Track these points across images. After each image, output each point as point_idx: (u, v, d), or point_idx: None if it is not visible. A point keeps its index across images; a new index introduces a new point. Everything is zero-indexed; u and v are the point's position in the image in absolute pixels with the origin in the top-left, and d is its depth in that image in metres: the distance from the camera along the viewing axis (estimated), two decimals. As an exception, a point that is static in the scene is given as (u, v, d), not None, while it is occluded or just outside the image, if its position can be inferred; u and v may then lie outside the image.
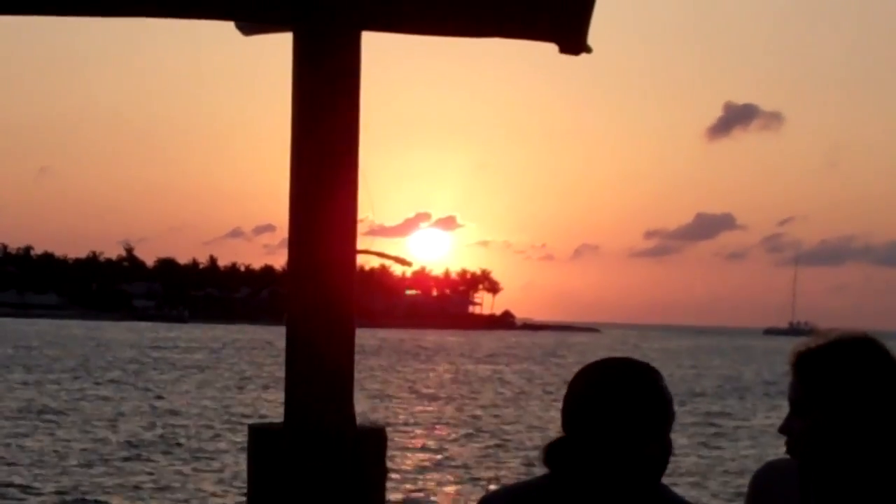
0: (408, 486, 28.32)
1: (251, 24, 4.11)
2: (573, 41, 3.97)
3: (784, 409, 3.20)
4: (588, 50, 3.98)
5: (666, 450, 2.84)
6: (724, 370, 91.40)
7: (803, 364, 3.17)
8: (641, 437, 2.77)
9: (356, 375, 4.00)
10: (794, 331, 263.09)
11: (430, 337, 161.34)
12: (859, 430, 3.10)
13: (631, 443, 2.77)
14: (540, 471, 2.89)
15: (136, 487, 27.19)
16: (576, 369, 2.91)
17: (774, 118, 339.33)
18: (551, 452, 2.81)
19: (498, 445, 36.94)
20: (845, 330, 3.20)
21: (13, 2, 3.83)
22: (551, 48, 4.03)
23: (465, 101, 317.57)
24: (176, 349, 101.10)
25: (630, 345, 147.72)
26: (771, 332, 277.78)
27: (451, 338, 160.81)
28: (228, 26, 4.10)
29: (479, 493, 26.49)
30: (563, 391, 2.87)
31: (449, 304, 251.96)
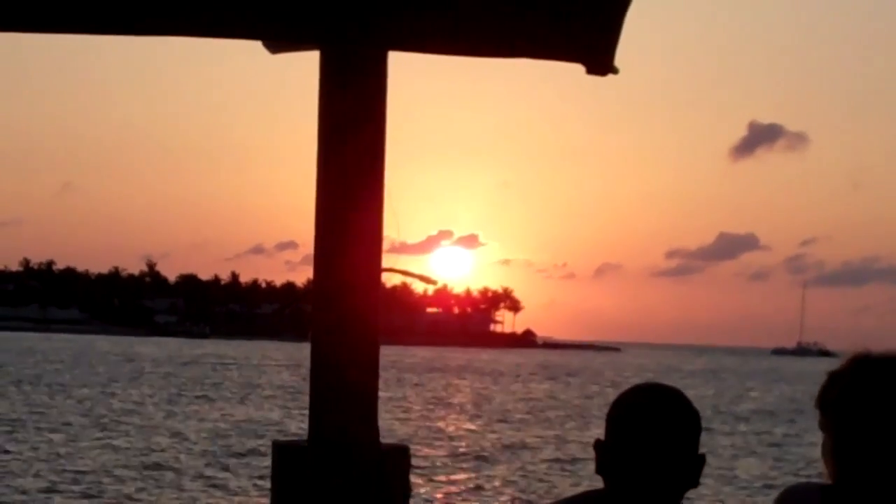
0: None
1: (278, 42, 4.12)
2: (601, 62, 3.97)
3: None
4: (615, 71, 3.98)
5: (699, 460, 3.00)
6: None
7: (825, 383, 3.21)
8: (677, 449, 2.95)
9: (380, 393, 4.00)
10: (802, 351, 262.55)
11: (452, 355, 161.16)
12: (857, 446, 3.12)
13: (669, 453, 2.94)
14: (572, 491, 2.95)
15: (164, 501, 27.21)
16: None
17: (799, 139, 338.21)
18: (600, 449, 3.01)
19: (523, 465, 36.86)
20: (869, 351, 3.21)
21: (43, 19, 3.86)
22: (576, 68, 4.03)
23: (488, 120, 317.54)
24: (201, 364, 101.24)
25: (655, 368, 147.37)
26: (779, 352, 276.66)
27: (471, 356, 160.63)
28: (255, 44, 4.11)
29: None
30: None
31: (470, 323, 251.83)
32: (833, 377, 3.20)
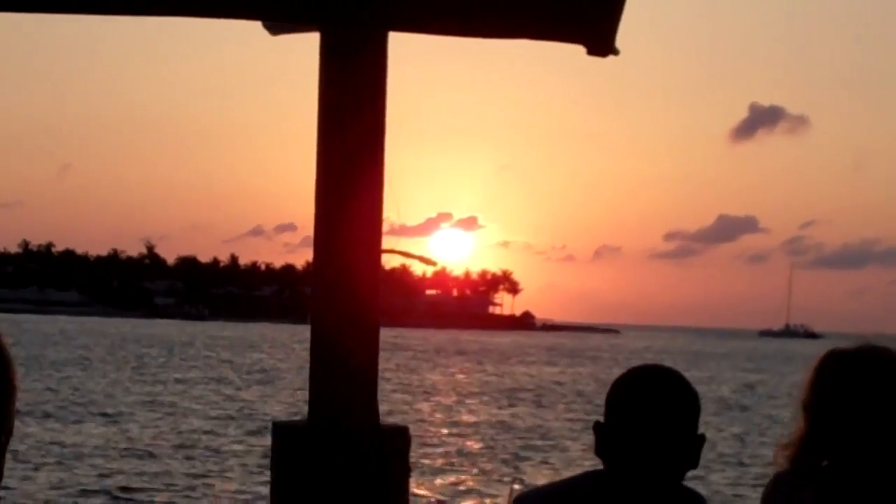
0: (431, 484, 28.32)
1: (278, 23, 4.12)
2: (602, 43, 3.96)
3: None
4: (616, 52, 3.97)
5: (698, 441, 2.99)
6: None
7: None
8: (676, 430, 2.95)
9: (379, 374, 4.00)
10: (788, 333, 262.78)
11: (451, 337, 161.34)
12: (828, 436, 3.15)
13: (668, 434, 2.94)
14: (572, 472, 2.96)
15: (161, 482, 27.27)
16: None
17: (800, 121, 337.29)
18: (599, 431, 3.01)
19: (523, 446, 36.94)
20: (858, 340, 3.24)
21: (42, 0, 3.85)
22: (575, 50, 4.02)
23: (487, 103, 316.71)
24: (202, 345, 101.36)
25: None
26: (766, 334, 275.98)
27: (471, 338, 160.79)
28: (255, 25, 4.11)
29: (501, 490, 26.51)
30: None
31: (469, 305, 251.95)
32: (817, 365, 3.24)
